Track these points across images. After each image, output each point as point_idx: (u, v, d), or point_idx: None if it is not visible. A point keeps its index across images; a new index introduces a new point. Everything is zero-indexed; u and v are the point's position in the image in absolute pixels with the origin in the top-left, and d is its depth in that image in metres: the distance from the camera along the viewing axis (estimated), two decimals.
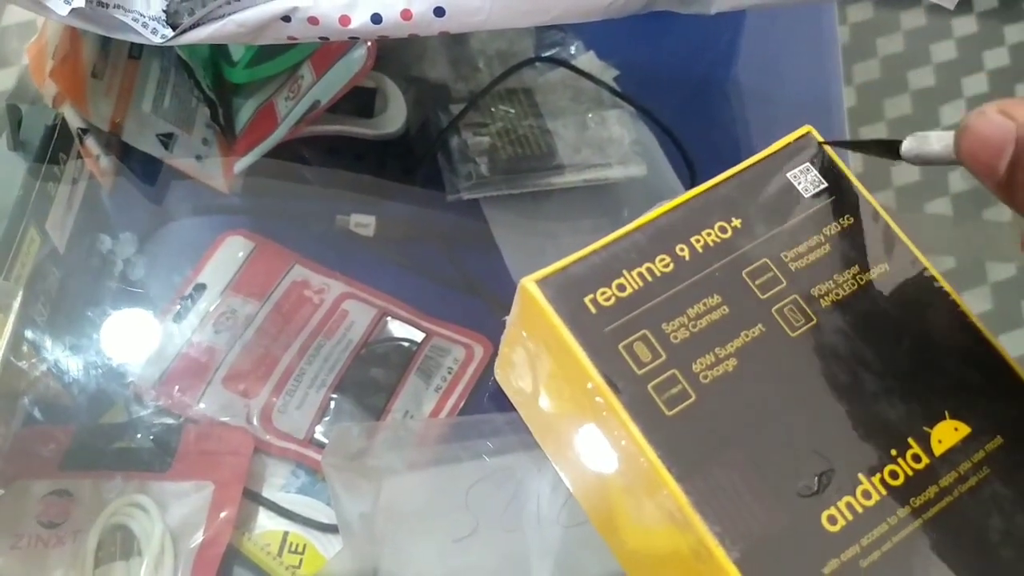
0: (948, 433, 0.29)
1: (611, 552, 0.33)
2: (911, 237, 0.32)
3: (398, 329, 0.50)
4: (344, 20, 0.34)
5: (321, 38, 0.35)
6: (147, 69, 0.49)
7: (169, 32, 0.35)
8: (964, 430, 0.29)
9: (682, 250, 0.30)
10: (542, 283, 0.29)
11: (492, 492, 0.45)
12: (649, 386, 0.28)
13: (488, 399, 0.45)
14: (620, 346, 0.28)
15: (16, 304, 0.39)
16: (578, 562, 0.44)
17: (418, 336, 0.49)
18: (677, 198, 0.32)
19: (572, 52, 0.57)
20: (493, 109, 0.54)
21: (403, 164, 0.53)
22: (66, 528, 0.42)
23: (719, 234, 0.30)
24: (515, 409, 0.35)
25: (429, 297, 0.50)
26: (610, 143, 0.54)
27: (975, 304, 0.32)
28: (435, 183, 0.52)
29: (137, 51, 0.49)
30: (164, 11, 0.35)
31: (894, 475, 0.28)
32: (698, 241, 0.30)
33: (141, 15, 0.35)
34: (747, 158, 0.33)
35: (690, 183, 0.54)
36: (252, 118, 0.49)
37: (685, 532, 0.27)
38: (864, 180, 0.33)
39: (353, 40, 0.35)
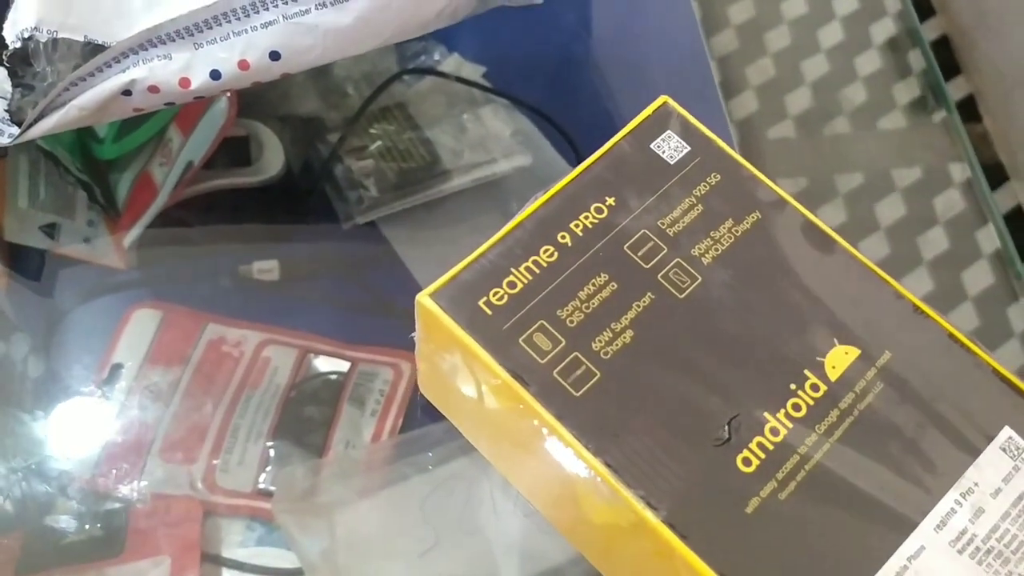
0: (840, 358, 0.30)
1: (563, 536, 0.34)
2: (760, 166, 0.34)
3: (323, 364, 0.50)
4: (184, 83, 0.35)
5: (167, 104, 0.35)
6: (15, 165, 0.48)
7: (15, 130, 0.35)
8: (854, 352, 0.30)
9: (563, 237, 0.31)
10: (436, 295, 0.30)
11: (446, 501, 0.46)
12: (554, 372, 0.29)
13: (421, 413, 0.45)
14: (520, 340, 0.29)
15: None
16: (542, 547, 0.45)
17: (344, 366, 0.50)
18: (551, 189, 0.33)
19: (436, 58, 0.58)
20: (370, 130, 0.54)
21: (293, 204, 0.53)
22: None
23: (595, 215, 0.32)
24: (423, 422, 0.36)
25: (347, 326, 0.51)
26: (490, 139, 0.55)
27: (830, 217, 0.33)
28: (329, 215, 0.52)
29: (1, 151, 0.48)
30: (6, 111, 0.35)
31: (796, 407, 0.29)
32: (577, 226, 0.31)
33: None
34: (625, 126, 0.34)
35: (576, 162, 0.55)
36: (131, 191, 0.49)
37: (614, 502, 0.28)
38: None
39: (199, 99, 0.35)
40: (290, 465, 0.47)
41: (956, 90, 1.00)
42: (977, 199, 0.87)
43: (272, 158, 0.52)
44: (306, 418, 0.48)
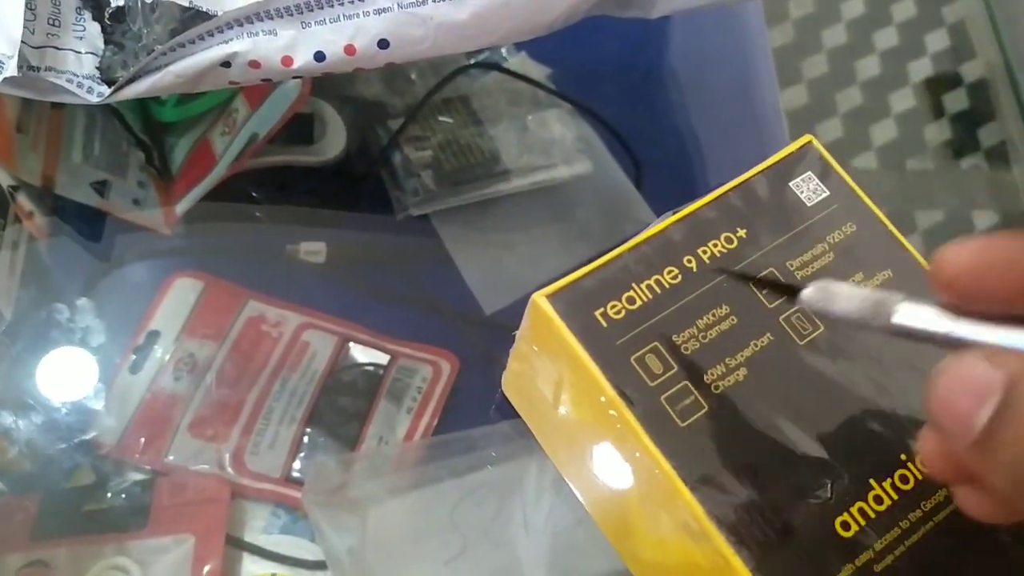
0: None
1: (623, 561, 0.33)
2: None
3: (362, 354, 0.49)
4: (286, 61, 0.33)
5: (263, 80, 0.34)
6: (72, 118, 0.47)
7: (105, 89, 0.33)
8: None
9: (689, 261, 0.30)
10: (553, 298, 0.29)
11: (476, 509, 0.45)
12: (662, 398, 0.28)
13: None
14: (632, 359, 0.28)
15: None
16: (569, 567, 0.44)
17: (383, 359, 0.49)
18: (682, 210, 0.32)
19: (503, 55, 0.57)
20: (431, 121, 0.53)
21: (347, 187, 0.52)
22: None
23: (725, 244, 0.31)
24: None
25: (389, 318, 0.50)
26: (553, 143, 0.54)
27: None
28: (381, 202, 0.51)
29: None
30: (97, 68, 0.34)
31: (904, 479, 0.28)
32: (705, 252, 0.30)
33: (75, 75, 0.33)
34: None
35: (635, 175, 0.54)
36: (188, 157, 0.48)
37: (701, 543, 0.27)
38: None
39: (297, 79, 0.34)
40: (321, 455, 0.45)
41: (988, 136, 1.00)
42: None
43: (334, 139, 0.50)
44: (341, 408, 0.47)
